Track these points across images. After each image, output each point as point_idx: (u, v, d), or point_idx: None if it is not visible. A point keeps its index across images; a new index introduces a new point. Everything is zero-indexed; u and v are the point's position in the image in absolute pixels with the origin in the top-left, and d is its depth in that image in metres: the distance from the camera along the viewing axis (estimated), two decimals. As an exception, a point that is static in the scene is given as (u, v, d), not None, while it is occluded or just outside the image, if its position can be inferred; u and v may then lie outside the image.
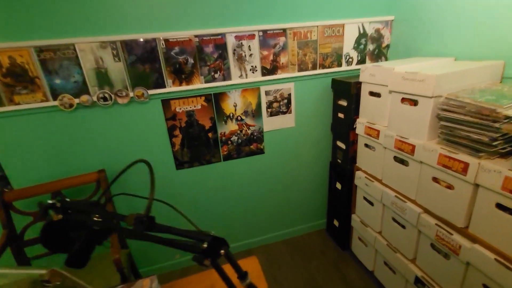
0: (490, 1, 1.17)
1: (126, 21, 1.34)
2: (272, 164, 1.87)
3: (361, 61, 1.78)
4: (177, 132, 1.60)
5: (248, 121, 1.71)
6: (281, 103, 1.73)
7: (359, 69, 1.76)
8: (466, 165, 0.95)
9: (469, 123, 0.95)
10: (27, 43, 1.24)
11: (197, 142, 1.65)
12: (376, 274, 1.62)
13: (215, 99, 1.59)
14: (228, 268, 0.58)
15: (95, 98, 1.39)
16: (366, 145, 1.53)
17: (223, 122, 1.66)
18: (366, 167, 1.57)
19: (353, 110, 1.59)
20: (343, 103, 1.67)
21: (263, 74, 1.62)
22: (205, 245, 0.47)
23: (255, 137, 1.76)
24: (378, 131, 1.39)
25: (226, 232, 1.95)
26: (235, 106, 1.65)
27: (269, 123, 1.75)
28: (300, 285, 1.69)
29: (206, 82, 1.53)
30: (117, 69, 1.38)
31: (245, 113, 1.68)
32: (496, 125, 0.86)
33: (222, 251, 0.49)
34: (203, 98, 1.57)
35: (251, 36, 1.52)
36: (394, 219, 1.38)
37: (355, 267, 1.79)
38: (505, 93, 0.97)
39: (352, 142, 1.66)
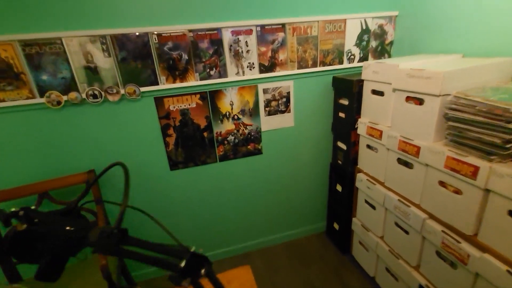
0: (502, -6, 1.10)
1: (117, 14, 1.27)
2: (270, 165, 1.81)
3: (364, 58, 1.71)
4: (171, 131, 1.53)
5: (245, 120, 1.64)
6: (279, 101, 1.66)
7: (361, 66, 1.69)
8: (476, 169, 0.89)
9: (480, 123, 0.89)
10: (11, 36, 1.17)
11: (192, 142, 1.59)
12: (378, 280, 1.56)
13: (210, 97, 1.53)
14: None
15: (84, 95, 1.33)
16: (368, 146, 1.47)
17: (219, 121, 1.60)
18: (368, 169, 1.50)
19: (355, 110, 1.52)
20: (344, 102, 1.61)
21: (261, 71, 1.55)
22: (182, 264, 0.41)
23: (252, 137, 1.70)
24: (381, 132, 1.32)
25: (223, 235, 1.89)
26: (231, 104, 1.58)
27: (267, 123, 1.69)
28: (298, 291, 1.64)
29: (201, 79, 1.47)
30: (107, 65, 1.32)
31: (242, 112, 1.62)
32: (510, 126, 0.81)
33: (203, 271, 0.42)
34: (198, 96, 1.51)
35: (249, 32, 1.46)
36: (397, 224, 1.32)
37: (356, 272, 1.73)
38: (518, 91, 0.90)
39: (353, 142, 1.60)
